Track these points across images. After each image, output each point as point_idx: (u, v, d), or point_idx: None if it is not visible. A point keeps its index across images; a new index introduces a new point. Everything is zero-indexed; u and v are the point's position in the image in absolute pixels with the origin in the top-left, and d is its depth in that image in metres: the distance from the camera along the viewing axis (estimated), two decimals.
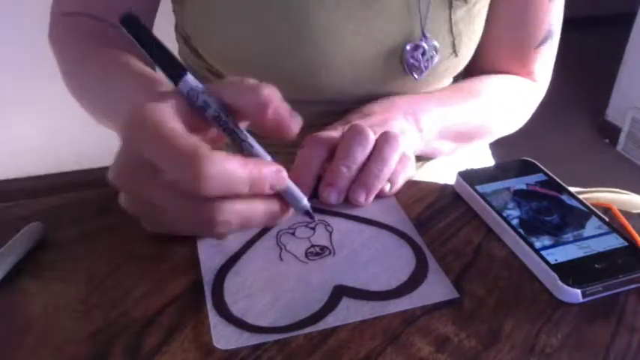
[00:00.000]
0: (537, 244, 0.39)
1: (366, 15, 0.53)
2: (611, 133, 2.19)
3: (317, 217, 0.42)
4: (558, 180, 0.46)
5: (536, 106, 0.69)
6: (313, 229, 0.42)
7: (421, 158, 0.62)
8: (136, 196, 0.36)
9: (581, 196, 0.44)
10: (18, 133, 1.72)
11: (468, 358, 0.32)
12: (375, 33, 0.54)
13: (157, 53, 0.36)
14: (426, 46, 0.55)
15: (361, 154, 0.43)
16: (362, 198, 0.43)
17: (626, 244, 0.39)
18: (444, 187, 0.47)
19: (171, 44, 0.68)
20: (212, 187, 0.32)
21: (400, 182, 0.45)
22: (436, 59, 0.56)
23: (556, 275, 0.36)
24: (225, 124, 0.36)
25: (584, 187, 0.61)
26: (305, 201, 0.38)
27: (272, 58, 0.54)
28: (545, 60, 0.66)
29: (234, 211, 0.34)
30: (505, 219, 0.41)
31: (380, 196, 0.44)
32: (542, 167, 0.48)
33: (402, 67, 0.56)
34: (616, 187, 0.62)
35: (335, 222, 0.42)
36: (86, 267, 0.38)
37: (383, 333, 0.33)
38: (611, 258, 0.38)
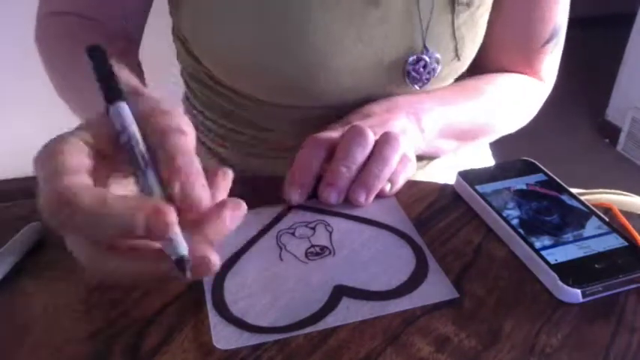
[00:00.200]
0: (537, 244, 0.39)
1: (369, 23, 0.52)
2: (611, 133, 2.19)
3: (317, 217, 0.42)
4: (558, 180, 0.46)
5: (541, 105, 0.69)
6: (313, 229, 0.42)
7: (425, 157, 0.62)
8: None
9: (581, 198, 0.44)
10: (18, 133, 1.72)
11: (468, 358, 0.32)
12: (376, 41, 0.53)
13: (106, 83, 0.34)
14: (427, 59, 0.55)
15: (361, 155, 0.43)
16: (362, 198, 0.43)
17: (626, 244, 0.39)
18: (444, 187, 0.47)
19: (169, 46, 0.68)
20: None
21: (400, 182, 0.45)
22: (438, 70, 0.56)
23: (556, 275, 0.36)
24: (131, 149, 0.32)
25: (584, 187, 0.61)
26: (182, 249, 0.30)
27: (271, 61, 0.53)
28: (551, 58, 0.66)
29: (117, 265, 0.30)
30: (505, 219, 0.41)
31: (380, 196, 0.44)
32: (542, 167, 0.48)
33: (404, 78, 0.56)
34: (616, 187, 0.62)
35: (335, 222, 0.42)
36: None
37: (383, 333, 0.33)
38: (611, 258, 0.38)
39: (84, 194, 0.29)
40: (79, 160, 0.31)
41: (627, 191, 0.61)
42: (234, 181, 0.35)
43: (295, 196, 0.43)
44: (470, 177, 0.46)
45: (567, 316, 0.35)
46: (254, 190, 0.45)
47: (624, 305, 0.36)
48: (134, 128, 0.32)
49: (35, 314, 0.34)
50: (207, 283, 0.36)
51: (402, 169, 0.45)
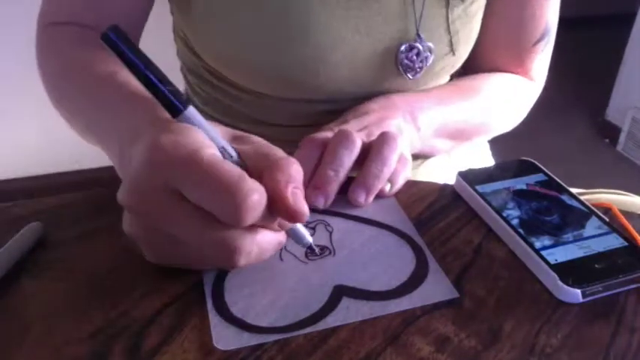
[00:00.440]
0: (537, 244, 0.39)
1: (366, 14, 0.53)
2: (611, 133, 2.19)
3: (317, 217, 0.42)
4: (558, 180, 0.46)
5: (533, 105, 0.69)
6: (313, 229, 0.42)
7: (419, 156, 0.63)
8: (152, 222, 0.33)
9: (581, 198, 0.44)
10: (18, 133, 1.72)
11: (468, 358, 0.32)
12: (373, 32, 0.54)
13: (154, 89, 0.34)
14: (420, 47, 0.55)
15: (348, 158, 0.43)
16: (362, 198, 0.43)
17: (626, 244, 0.39)
18: (444, 187, 0.47)
19: (170, 43, 0.69)
20: (252, 218, 0.31)
21: (400, 182, 0.45)
22: (431, 60, 0.56)
23: (556, 275, 0.36)
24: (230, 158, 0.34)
25: (584, 187, 0.61)
26: (308, 238, 0.38)
27: (270, 55, 0.54)
28: (541, 58, 0.66)
29: (257, 242, 0.33)
30: (505, 219, 0.41)
31: (380, 196, 0.44)
32: (542, 167, 0.48)
33: (397, 66, 0.56)
34: (616, 187, 0.62)
35: (335, 222, 0.42)
36: (86, 267, 0.38)
37: (383, 333, 0.33)
38: (611, 258, 0.38)
39: (254, 182, 0.31)
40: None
41: (627, 191, 0.61)
42: None
43: None
44: (470, 177, 0.46)
45: (567, 316, 0.35)
46: None
47: (624, 305, 0.36)
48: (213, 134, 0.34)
49: (35, 314, 0.34)
50: (208, 283, 0.36)
51: (401, 168, 0.45)
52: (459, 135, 0.60)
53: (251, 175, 0.32)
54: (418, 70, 0.57)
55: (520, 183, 0.46)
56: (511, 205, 0.43)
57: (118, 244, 0.39)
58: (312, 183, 0.43)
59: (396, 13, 0.54)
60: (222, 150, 0.34)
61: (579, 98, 2.46)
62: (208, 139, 0.34)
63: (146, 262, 0.37)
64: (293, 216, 0.33)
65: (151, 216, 0.33)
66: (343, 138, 0.44)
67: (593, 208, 0.43)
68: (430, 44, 0.56)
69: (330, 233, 0.41)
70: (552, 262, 0.37)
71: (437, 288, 0.36)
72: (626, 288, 0.37)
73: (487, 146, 0.76)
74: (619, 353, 0.32)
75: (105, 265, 0.38)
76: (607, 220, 0.42)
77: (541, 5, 0.62)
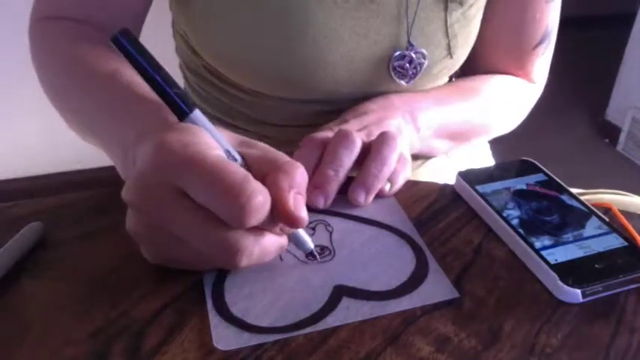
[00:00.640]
0: (537, 244, 0.39)
1: (364, 15, 0.53)
2: (611, 133, 2.19)
3: (317, 217, 0.42)
4: (558, 180, 0.46)
5: (533, 106, 0.69)
6: (313, 229, 0.42)
7: (420, 157, 0.63)
8: (156, 221, 0.33)
9: (581, 198, 0.44)
10: (18, 133, 1.72)
11: (468, 358, 0.32)
12: (371, 33, 0.54)
13: (162, 91, 0.35)
14: (413, 55, 0.55)
15: (348, 158, 0.43)
16: (362, 198, 0.43)
17: (626, 244, 0.39)
18: (444, 187, 0.47)
19: (169, 40, 0.68)
20: (255, 220, 0.31)
21: (400, 182, 0.45)
22: (425, 65, 0.56)
23: (556, 275, 0.36)
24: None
25: (584, 187, 0.61)
26: (309, 244, 0.38)
27: (270, 55, 0.54)
28: (542, 61, 0.66)
29: (259, 243, 0.33)
30: (505, 219, 0.41)
31: (380, 196, 0.44)
32: (542, 167, 0.48)
33: (390, 73, 0.56)
34: (616, 187, 0.61)
35: (335, 222, 0.42)
36: (86, 267, 0.38)
37: (383, 333, 0.33)
38: (611, 258, 0.38)
39: (258, 183, 0.31)
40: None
41: (627, 191, 0.61)
42: None
43: None
44: (470, 177, 0.46)
45: (567, 316, 0.35)
46: None
47: (624, 305, 0.36)
48: (218, 136, 0.35)
49: (35, 314, 0.34)
50: (208, 283, 0.36)
51: (401, 168, 0.45)
52: (458, 136, 0.60)
53: (255, 179, 0.32)
54: (412, 76, 0.57)
55: (520, 183, 0.46)
56: (511, 205, 0.43)
57: (118, 245, 0.39)
58: (312, 182, 0.43)
59: (394, 16, 0.54)
60: (227, 153, 0.34)
61: (579, 98, 2.46)
62: (214, 140, 0.34)
63: (146, 263, 0.37)
64: (292, 221, 0.33)
65: (154, 214, 0.33)
66: (343, 138, 0.44)
67: (593, 208, 0.43)
68: (423, 50, 0.55)
69: (330, 233, 0.41)
70: (552, 262, 0.37)
71: (437, 288, 0.36)
72: (626, 288, 0.37)
73: (487, 146, 0.76)
74: (619, 353, 0.32)
75: (105, 265, 0.38)
76: (607, 220, 0.42)
77: (542, 8, 0.62)
